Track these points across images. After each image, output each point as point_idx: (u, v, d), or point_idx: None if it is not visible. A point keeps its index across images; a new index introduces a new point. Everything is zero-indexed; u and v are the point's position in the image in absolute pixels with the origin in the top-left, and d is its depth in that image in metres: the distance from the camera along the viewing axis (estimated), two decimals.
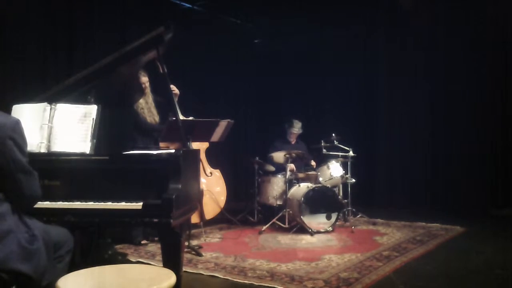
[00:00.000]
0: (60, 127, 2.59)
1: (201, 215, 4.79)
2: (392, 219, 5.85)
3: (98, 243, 3.23)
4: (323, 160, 5.67)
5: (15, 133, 1.88)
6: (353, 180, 5.59)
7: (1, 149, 1.83)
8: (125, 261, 3.82)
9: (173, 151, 2.54)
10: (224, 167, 5.40)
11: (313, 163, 5.94)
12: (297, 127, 6.00)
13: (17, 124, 1.90)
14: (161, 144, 4.31)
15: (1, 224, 1.79)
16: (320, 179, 5.46)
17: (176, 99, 3.85)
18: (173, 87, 4.01)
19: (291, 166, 5.59)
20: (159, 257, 3.61)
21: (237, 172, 7.28)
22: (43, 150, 2.55)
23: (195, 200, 2.87)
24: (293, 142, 6.09)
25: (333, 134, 5.64)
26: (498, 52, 6.22)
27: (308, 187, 5.14)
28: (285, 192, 5.33)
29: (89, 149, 2.56)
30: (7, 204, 1.85)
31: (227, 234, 5.12)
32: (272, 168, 5.90)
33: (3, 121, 1.86)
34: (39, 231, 1.90)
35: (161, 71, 2.92)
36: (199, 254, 4.11)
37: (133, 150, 2.68)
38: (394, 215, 6.02)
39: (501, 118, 6.22)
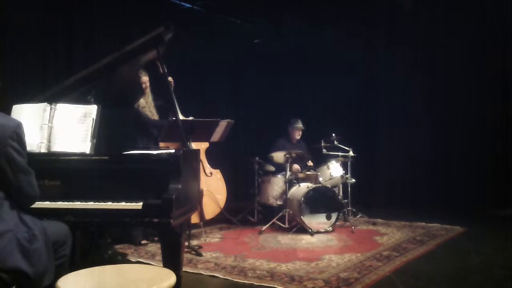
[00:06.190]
0: (60, 127, 2.59)
1: (201, 215, 4.79)
2: (392, 219, 5.84)
3: (98, 243, 3.23)
4: (323, 160, 5.67)
5: (17, 135, 1.92)
6: (353, 180, 5.59)
7: (2, 150, 1.85)
8: (125, 261, 3.82)
9: (173, 151, 2.54)
10: (224, 167, 5.39)
11: (310, 163, 5.94)
12: (300, 123, 6.03)
13: (19, 127, 1.94)
14: (161, 144, 4.31)
15: (0, 223, 1.80)
16: (320, 179, 5.46)
17: (171, 88, 3.82)
18: (169, 78, 3.98)
19: (296, 167, 5.58)
20: (159, 257, 3.60)
21: (237, 172, 7.27)
22: (43, 150, 2.55)
23: (195, 200, 2.87)
24: (294, 142, 6.10)
25: (333, 134, 5.64)
26: (498, 52, 6.21)
27: (308, 187, 5.14)
28: (285, 192, 5.33)
29: (89, 149, 2.56)
30: (7, 203, 1.86)
31: (227, 234, 5.12)
32: (272, 168, 5.90)
33: (5, 123, 1.90)
34: (40, 231, 1.90)
35: (161, 71, 2.92)
36: (199, 254, 4.11)
37: (133, 150, 2.67)
38: (394, 215, 6.01)
39: (501, 118, 6.21)
